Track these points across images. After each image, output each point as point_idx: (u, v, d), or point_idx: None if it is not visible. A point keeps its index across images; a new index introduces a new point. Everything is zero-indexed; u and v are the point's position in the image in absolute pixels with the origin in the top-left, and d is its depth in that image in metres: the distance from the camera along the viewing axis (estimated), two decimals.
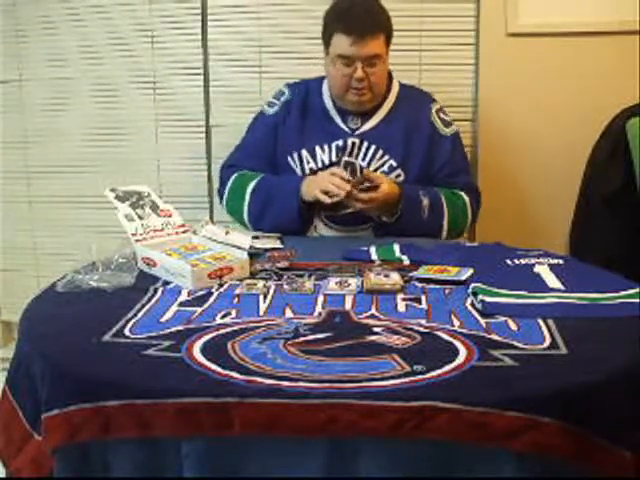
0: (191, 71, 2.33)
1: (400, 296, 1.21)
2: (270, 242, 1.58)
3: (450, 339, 1.01)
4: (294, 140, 1.82)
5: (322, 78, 1.85)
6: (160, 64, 2.34)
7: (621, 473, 0.89)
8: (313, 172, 1.78)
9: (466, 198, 1.81)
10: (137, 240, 1.44)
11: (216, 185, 2.39)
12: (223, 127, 2.34)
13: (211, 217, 2.37)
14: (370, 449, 0.84)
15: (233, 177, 1.86)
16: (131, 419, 0.87)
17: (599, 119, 2.09)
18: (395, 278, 1.28)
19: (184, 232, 1.53)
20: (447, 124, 1.84)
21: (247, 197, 1.79)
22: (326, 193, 1.62)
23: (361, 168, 1.76)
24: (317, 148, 1.79)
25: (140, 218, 1.49)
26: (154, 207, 1.54)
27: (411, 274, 1.33)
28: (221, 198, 1.92)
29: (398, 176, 1.76)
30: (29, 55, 2.40)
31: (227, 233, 1.54)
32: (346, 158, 1.78)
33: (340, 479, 0.85)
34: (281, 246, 1.56)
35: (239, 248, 1.44)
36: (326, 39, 1.75)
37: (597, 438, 0.87)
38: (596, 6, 2.12)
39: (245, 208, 1.80)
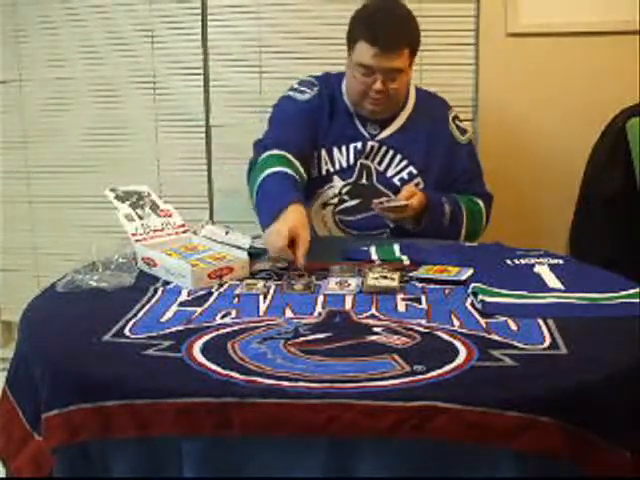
0: (191, 71, 2.33)
1: (400, 296, 1.21)
2: None
3: (450, 339, 1.01)
4: (319, 137, 1.75)
5: (342, 75, 1.80)
6: (160, 64, 2.34)
7: (621, 473, 0.89)
8: (329, 174, 1.75)
9: (482, 204, 1.81)
10: (137, 240, 1.44)
11: (216, 185, 2.40)
12: (223, 127, 2.34)
13: (211, 217, 2.37)
14: (370, 449, 0.84)
15: (262, 158, 1.69)
16: (131, 419, 0.87)
17: (599, 119, 2.09)
18: (395, 278, 1.28)
19: (184, 232, 1.53)
20: (463, 131, 1.83)
21: (255, 188, 1.65)
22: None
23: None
24: (335, 150, 1.75)
25: (140, 218, 1.49)
26: (154, 207, 1.54)
27: (411, 274, 1.33)
28: (248, 176, 1.79)
29: (417, 184, 1.74)
30: (29, 55, 2.41)
31: (227, 233, 1.54)
32: (362, 161, 1.75)
33: (340, 479, 0.85)
34: None
35: (239, 248, 1.44)
36: (350, 42, 1.68)
37: (597, 438, 0.87)
38: (596, 6, 2.12)
39: (254, 194, 1.67)
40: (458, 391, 0.85)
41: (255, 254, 1.46)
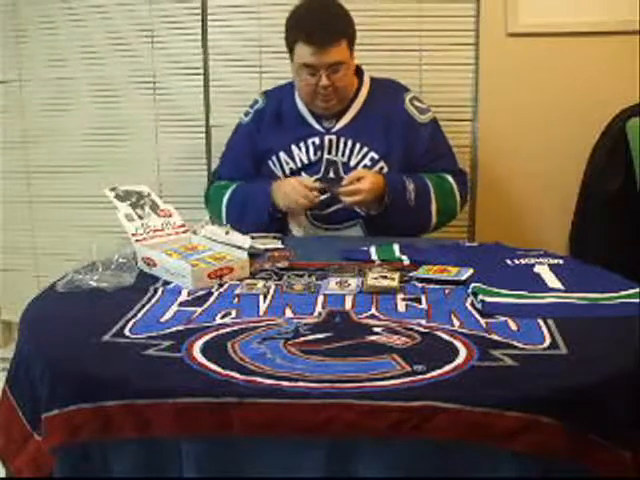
0: (191, 71, 2.34)
1: (400, 296, 1.21)
2: (270, 242, 1.58)
3: (450, 339, 1.01)
4: (271, 144, 1.82)
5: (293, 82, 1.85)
6: (160, 64, 2.35)
7: (621, 473, 0.89)
8: (293, 172, 1.80)
9: (452, 180, 1.81)
10: (137, 240, 1.44)
11: None
12: (223, 127, 2.34)
13: (211, 217, 2.37)
14: (370, 449, 0.84)
15: (212, 189, 1.92)
16: (131, 419, 0.87)
17: (599, 119, 2.09)
18: (395, 278, 1.28)
19: (184, 232, 1.53)
20: (423, 111, 1.84)
21: (224, 210, 1.83)
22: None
23: (340, 178, 1.74)
24: (294, 147, 1.79)
25: (140, 218, 1.49)
26: (154, 207, 1.54)
27: (411, 274, 1.33)
28: (206, 203, 1.99)
29: (381, 168, 1.77)
30: (29, 55, 2.41)
31: (227, 233, 1.54)
32: (327, 156, 1.78)
33: (340, 479, 0.85)
34: (281, 246, 1.56)
35: (239, 248, 1.44)
36: (289, 47, 1.75)
37: (597, 438, 0.87)
38: (596, 6, 2.12)
39: (224, 220, 1.83)
40: (458, 391, 0.85)
41: (255, 254, 1.46)
